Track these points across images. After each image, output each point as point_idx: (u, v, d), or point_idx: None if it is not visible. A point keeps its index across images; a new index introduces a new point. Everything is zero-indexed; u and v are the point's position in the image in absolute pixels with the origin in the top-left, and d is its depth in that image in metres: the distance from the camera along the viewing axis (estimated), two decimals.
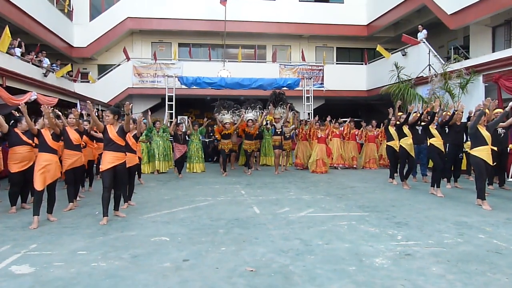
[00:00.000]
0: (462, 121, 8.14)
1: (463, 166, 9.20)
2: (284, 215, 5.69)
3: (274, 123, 11.35)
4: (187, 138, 10.85)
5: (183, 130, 10.55)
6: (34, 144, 6.05)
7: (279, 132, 11.00)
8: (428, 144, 7.58)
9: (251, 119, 10.96)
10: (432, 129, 7.54)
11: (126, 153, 5.77)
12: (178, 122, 11.06)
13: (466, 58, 13.66)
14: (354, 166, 11.94)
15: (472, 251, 3.99)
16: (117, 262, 3.72)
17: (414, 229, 4.87)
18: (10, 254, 3.92)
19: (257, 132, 11.11)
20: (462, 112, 8.07)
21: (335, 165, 11.67)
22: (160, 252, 3.99)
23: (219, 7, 16.76)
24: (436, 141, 7.39)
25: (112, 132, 5.39)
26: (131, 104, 5.59)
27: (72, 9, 18.20)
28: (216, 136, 11.25)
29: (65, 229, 4.91)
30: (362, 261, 3.71)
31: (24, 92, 10.52)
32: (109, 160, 5.32)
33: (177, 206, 6.30)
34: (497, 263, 3.65)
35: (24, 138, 6.01)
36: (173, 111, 14.79)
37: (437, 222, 5.19)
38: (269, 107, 12.38)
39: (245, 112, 11.87)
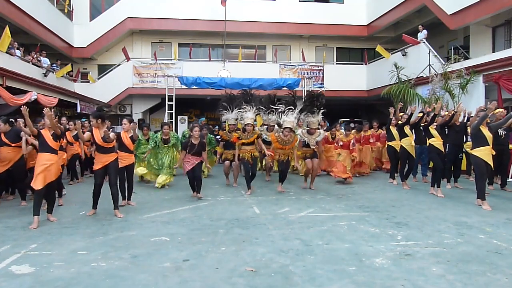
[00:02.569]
0: (461, 121, 8.16)
1: (463, 166, 9.19)
2: (284, 215, 5.69)
3: (308, 134, 8.10)
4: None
5: (197, 141, 6.98)
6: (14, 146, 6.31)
7: (307, 143, 8.11)
8: (428, 144, 7.59)
9: (288, 127, 7.68)
10: (432, 129, 7.57)
11: (121, 152, 6.05)
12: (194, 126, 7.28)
13: (466, 58, 13.66)
14: (366, 173, 10.46)
15: (472, 251, 3.99)
16: (117, 262, 3.72)
17: (414, 229, 4.87)
18: (10, 254, 3.92)
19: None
20: (465, 116, 8.10)
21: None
22: (160, 252, 3.99)
23: (219, 7, 16.75)
24: (436, 141, 7.40)
25: (98, 136, 5.56)
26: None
27: (72, 9, 18.21)
28: (235, 143, 8.04)
29: (65, 229, 4.91)
30: (362, 261, 3.71)
31: (24, 92, 10.53)
32: (100, 160, 5.61)
33: (177, 206, 6.30)
34: (497, 263, 3.65)
35: (4, 139, 6.19)
36: (173, 111, 14.80)
37: (437, 222, 5.19)
38: (301, 112, 8.28)
39: (284, 115, 7.98)
